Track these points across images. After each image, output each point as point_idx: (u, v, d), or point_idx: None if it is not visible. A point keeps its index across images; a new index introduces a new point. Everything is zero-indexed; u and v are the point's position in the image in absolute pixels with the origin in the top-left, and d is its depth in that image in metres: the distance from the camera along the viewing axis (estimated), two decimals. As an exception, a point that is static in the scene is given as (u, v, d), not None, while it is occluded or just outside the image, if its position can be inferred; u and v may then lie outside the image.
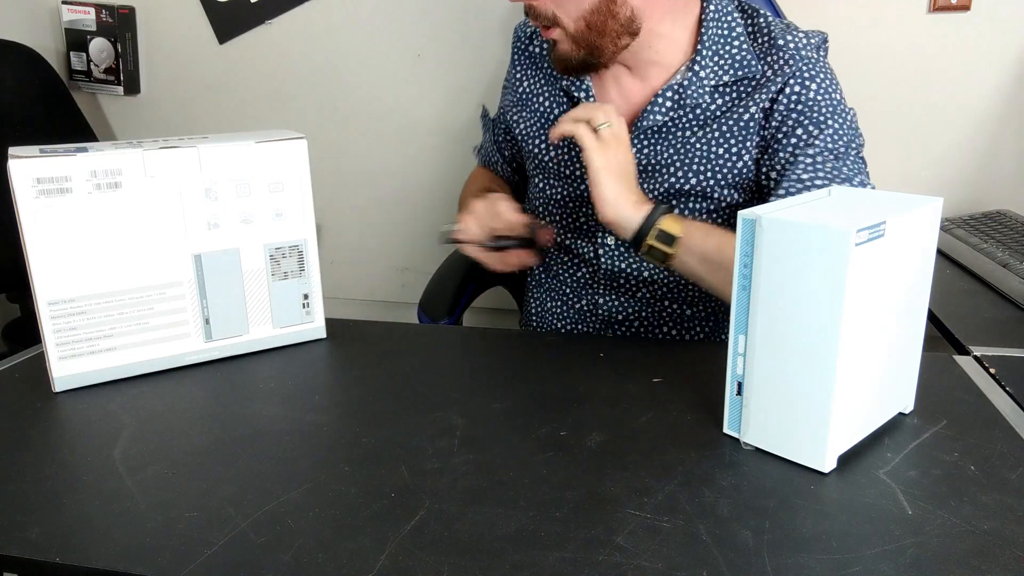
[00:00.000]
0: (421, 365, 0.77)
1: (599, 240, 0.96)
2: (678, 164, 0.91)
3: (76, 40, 1.79)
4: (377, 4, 1.64)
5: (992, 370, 0.74)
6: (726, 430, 0.62)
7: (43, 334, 0.71)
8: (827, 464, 0.56)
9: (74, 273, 0.71)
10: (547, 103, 0.99)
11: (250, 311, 0.79)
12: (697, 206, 0.93)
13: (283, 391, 0.72)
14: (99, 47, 1.78)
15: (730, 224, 0.94)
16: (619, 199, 0.80)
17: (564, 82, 0.96)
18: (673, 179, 0.92)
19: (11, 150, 0.69)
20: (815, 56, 0.89)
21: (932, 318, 0.93)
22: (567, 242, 1.00)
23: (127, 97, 1.81)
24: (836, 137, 0.86)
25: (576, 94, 0.95)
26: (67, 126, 1.69)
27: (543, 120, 0.99)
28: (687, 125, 0.91)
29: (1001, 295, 1.03)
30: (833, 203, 0.59)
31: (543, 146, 0.99)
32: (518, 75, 1.03)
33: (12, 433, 0.65)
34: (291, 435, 0.63)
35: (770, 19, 0.91)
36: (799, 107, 0.87)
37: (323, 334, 0.84)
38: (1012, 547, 0.48)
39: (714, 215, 0.93)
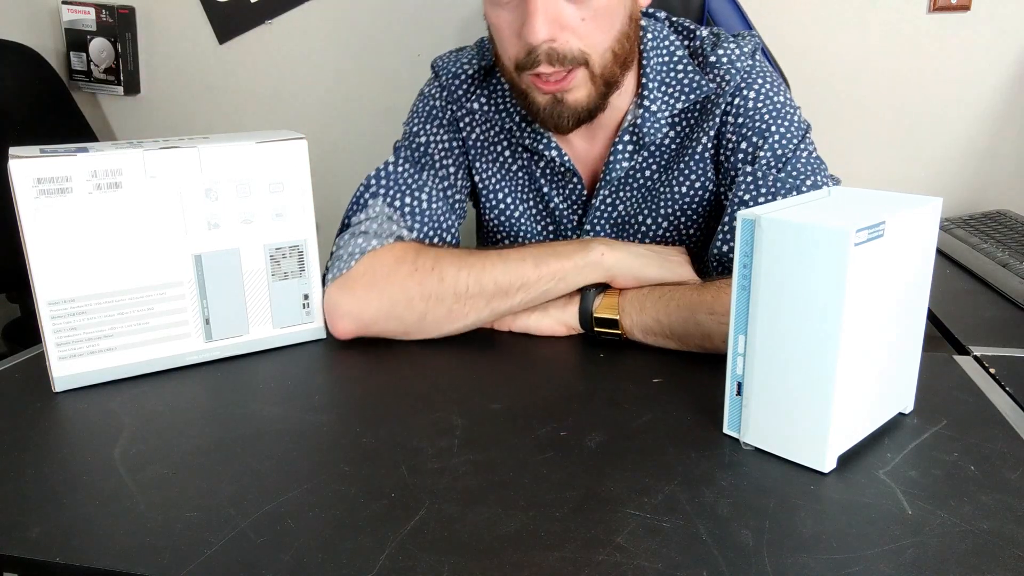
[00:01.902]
0: (421, 365, 0.77)
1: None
2: (647, 212, 0.90)
3: (76, 40, 1.79)
4: (377, 4, 1.64)
5: (992, 370, 0.74)
6: (726, 430, 0.62)
7: (43, 334, 0.71)
8: (827, 464, 0.56)
9: (74, 273, 0.71)
10: (506, 151, 0.93)
11: (250, 311, 0.79)
12: None
13: (283, 391, 0.72)
14: (99, 47, 1.78)
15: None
16: (551, 319, 0.81)
17: (527, 140, 0.89)
18: (645, 227, 0.90)
19: (11, 150, 0.69)
20: (750, 64, 0.85)
21: (932, 318, 0.93)
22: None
23: (127, 97, 1.81)
24: (784, 142, 0.82)
25: (546, 152, 0.88)
26: (67, 126, 1.69)
27: (505, 171, 0.94)
28: (648, 166, 0.88)
29: (1001, 295, 1.03)
30: (832, 203, 0.59)
31: (512, 203, 0.94)
32: (478, 115, 0.92)
33: (12, 433, 0.65)
34: (291, 435, 0.63)
35: (702, 35, 0.88)
36: (740, 120, 0.84)
37: (323, 334, 0.84)
38: (1012, 547, 0.48)
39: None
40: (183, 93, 1.80)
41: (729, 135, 0.84)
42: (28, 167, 0.67)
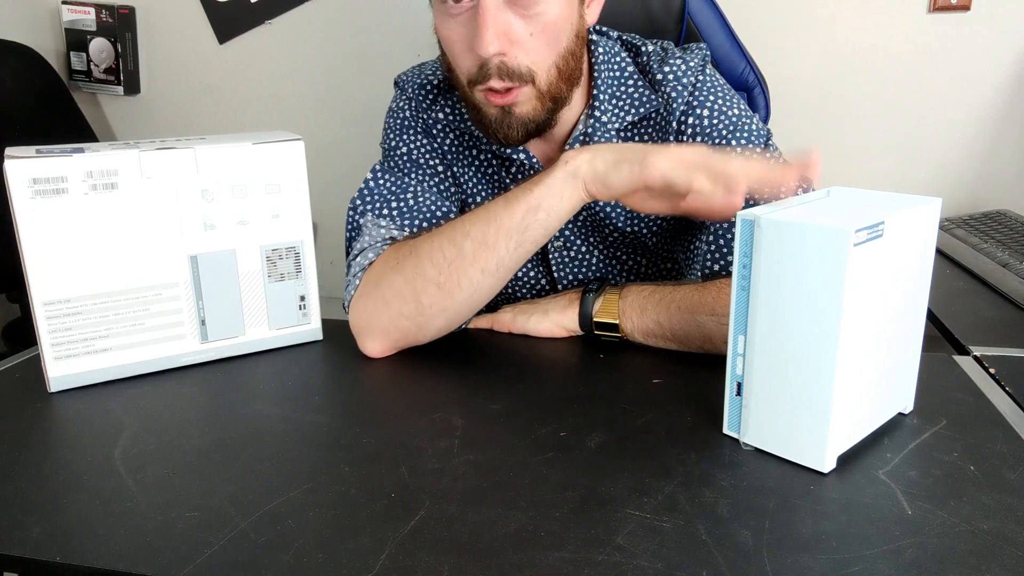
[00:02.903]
0: (421, 365, 0.77)
1: (557, 274, 0.94)
2: (611, 226, 0.89)
3: (76, 40, 1.79)
4: (377, 4, 1.64)
5: (992, 370, 0.74)
6: (726, 431, 0.62)
7: (38, 334, 0.71)
8: (827, 464, 0.56)
9: (70, 274, 0.70)
10: (480, 156, 0.92)
11: (246, 312, 0.79)
12: (643, 259, 0.92)
13: (282, 392, 0.72)
14: (99, 47, 1.78)
15: (677, 266, 0.93)
16: (550, 322, 0.81)
17: (495, 146, 0.87)
18: (618, 233, 0.90)
19: (7, 150, 0.69)
20: (699, 78, 0.85)
21: (932, 318, 0.93)
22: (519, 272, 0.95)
23: (127, 97, 1.81)
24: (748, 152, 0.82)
25: (514, 156, 0.87)
26: (67, 126, 1.69)
27: (482, 175, 0.92)
28: None
29: (1001, 295, 1.03)
30: (832, 203, 0.59)
31: (479, 199, 0.92)
32: (444, 124, 0.91)
33: (12, 433, 0.65)
34: (291, 435, 0.63)
35: (649, 51, 0.88)
36: (698, 139, 0.83)
37: (319, 336, 0.84)
38: (1012, 547, 0.48)
39: (660, 264, 0.93)
40: (183, 93, 1.80)
41: None
42: (24, 167, 0.67)
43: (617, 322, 0.78)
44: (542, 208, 0.71)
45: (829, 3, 1.47)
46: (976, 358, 0.78)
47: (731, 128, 0.83)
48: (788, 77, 1.51)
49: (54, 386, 0.72)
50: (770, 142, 0.84)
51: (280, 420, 0.66)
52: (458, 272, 0.73)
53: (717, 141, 0.83)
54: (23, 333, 1.71)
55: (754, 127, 0.84)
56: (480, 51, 0.73)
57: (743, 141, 0.82)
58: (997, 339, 0.86)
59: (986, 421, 0.63)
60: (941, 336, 0.90)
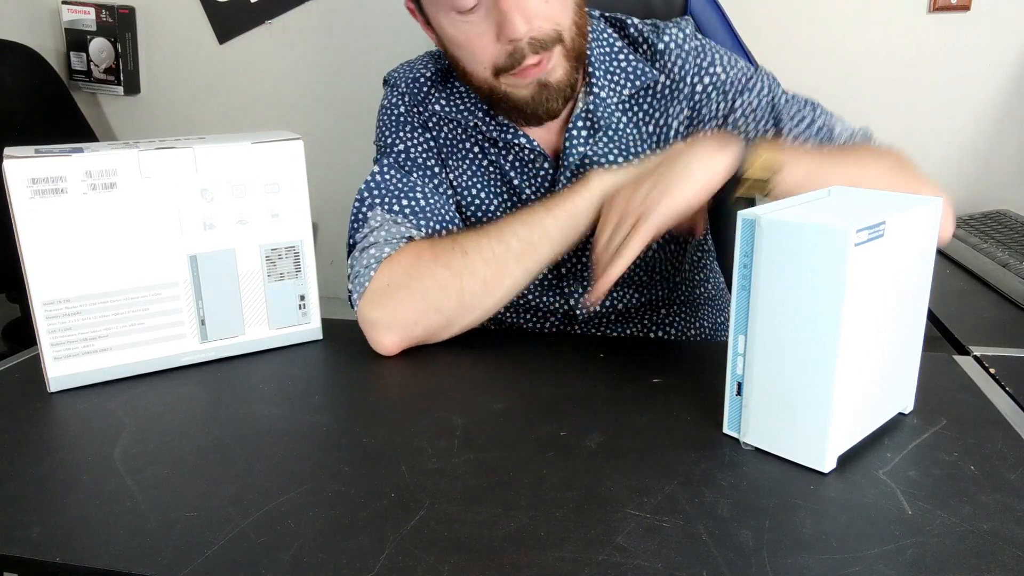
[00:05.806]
0: (421, 365, 0.77)
1: (568, 291, 0.91)
2: None
3: (76, 40, 1.79)
4: (376, 4, 1.64)
5: (992, 370, 0.74)
6: (726, 430, 0.62)
7: (38, 334, 0.71)
8: (827, 464, 0.56)
9: (69, 274, 0.70)
10: (475, 148, 0.91)
11: (246, 312, 0.79)
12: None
13: (282, 392, 0.72)
14: (99, 47, 1.78)
15: (681, 246, 0.93)
16: (705, 170, 0.69)
17: (495, 133, 0.87)
18: None
19: (7, 150, 0.68)
20: (698, 44, 0.88)
21: (932, 318, 0.93)
22: (532, 300, 0.92)
23: (127, 97, 1.82)
24: (768, 91, 0.86)
25: (515, 141, 0.86)
26: (67, 126, 1.69)
27: (476, 167, 0.91)
28: (609, 151, 0.87)
29: (1001, 295, 1.03)
30: (832, 203, 0.59)
31: (486, 198, 0.91)
32: (440, 116, 0.91)
33: (12, 433, 0.65)
34: (291, 435, 0.63)
35: (637, 25, 0.89)
36: (718, 93, 0.86)
37: (319, 335, 0.84)
38: (1012, 547, 0.48)
39: (667, 245, 0.92)
40: (183, 93, 1.80)
41: (716, 109, 0.86)
42: (23, 167, 0.67)
43: (771, 174, 0.70)
44: (577, 216, 0.76)
45: (829, 3, 1.48)
46: (976, 358, 0.78)
47: (743, 79, 0.87)
48: (789, 77, 1.51)
49: (54, 386, 0.72)
50: (775, 82, 0.88)
51: (280, 420, 0.66)
52: (505, 270, 0.77)
53: (739, 90, 0.86)
54: (23, 333, 1.71)
55: (761, 75, 0.88)
56: (513, 34, 0.75)
57: (759, 85, 0.86)
58: (997, 339, 0.86)
59: (986, 421, 0.63)
60: (941, 336, 0.90)
